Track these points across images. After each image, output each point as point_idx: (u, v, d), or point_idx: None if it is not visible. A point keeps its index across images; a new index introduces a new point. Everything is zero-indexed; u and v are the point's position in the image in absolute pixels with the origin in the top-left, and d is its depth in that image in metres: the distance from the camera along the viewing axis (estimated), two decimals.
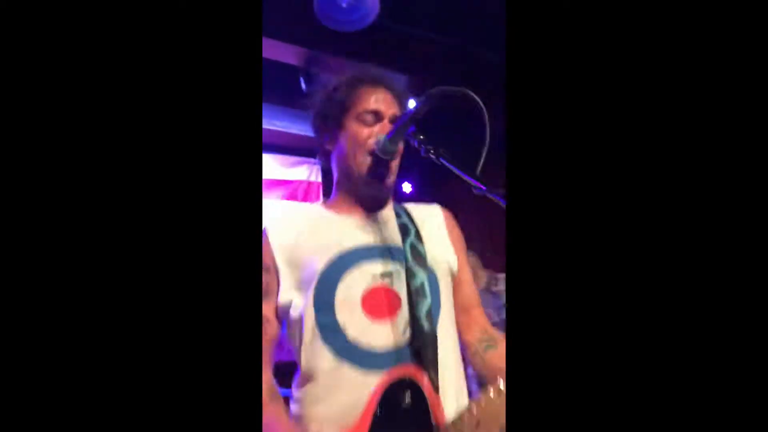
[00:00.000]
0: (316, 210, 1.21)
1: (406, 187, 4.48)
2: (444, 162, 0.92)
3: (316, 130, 1.22)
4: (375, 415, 0.92)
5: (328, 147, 1.19)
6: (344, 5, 2.39)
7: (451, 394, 1.00)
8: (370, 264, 1.05)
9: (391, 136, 1.05)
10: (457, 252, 1.18)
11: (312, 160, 3.75)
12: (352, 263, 1.04)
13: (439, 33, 2.98)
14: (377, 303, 1.02)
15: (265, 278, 1.07)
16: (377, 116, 1.13)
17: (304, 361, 1.03)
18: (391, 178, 1.14)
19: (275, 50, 2.72)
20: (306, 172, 3.85)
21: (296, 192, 3.75)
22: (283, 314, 1.08)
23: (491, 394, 0.89)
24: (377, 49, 2.85)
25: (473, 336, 1.14)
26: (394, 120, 1.12)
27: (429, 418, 0.93)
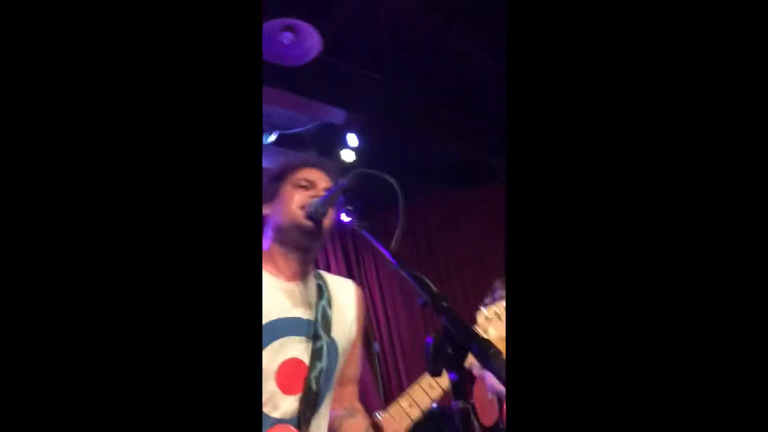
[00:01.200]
0: None
1: (344, 218, 4.51)
2: (365, 234, 1.02)
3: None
4: None
5: (266, 209, 1.27)
6: (286, 42, 2.47)
7: None
8: (290, 337, 1.14)
9: (324, 200, 1.17)
10: (357, 330, 1.29)
11: None
12: (275, 336, 1.13)
13: (378, 70, 3.12)
14: (289, 374, 1.12)
15: None
16: (311, 184, 1.25)
17: None
18: (323, 232, 1.22)
19: None
20: None
21: None
22: None
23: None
24: (318, 84, 2.94)
25: (339, 406, 1.25)
26: (326, 190, 1.24)
27: None
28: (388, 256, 0.91)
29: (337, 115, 3.10)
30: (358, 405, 1.28)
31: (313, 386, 1.13)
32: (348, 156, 3.26)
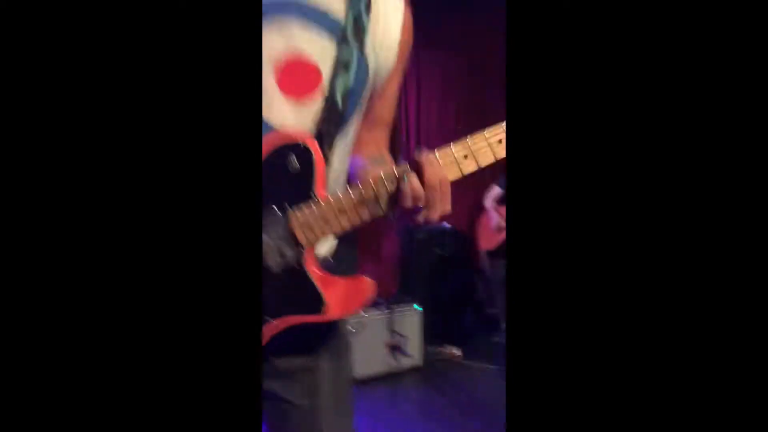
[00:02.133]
0: None
1: None
2: None
3: None
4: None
5: None
6: None
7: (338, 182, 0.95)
8: (301, 23, 0.88)
9: None
10: (398, 58, 0.99)
11: None
12: (284, 11, 0.87)
13: None
14: (294, 75, 0.88)
15: None
16: None
17: None
18: None
19: None
20: None
21: None
22: None
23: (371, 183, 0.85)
24: None
25: (367, 153, 1.03)
26: None
27: (311, 187, 0.86)
28: None
29: None
30: (387, 154, 1.04)
31: (339, 103, 0.89)
32: None
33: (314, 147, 0.86)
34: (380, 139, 1.06)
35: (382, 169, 0.88)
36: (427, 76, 4.65)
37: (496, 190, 4.17)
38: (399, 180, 0.84)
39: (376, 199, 0.85)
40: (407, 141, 4.58)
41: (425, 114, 4.77)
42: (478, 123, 0.96)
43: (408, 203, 0.83)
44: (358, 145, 1.00)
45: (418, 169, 0.83)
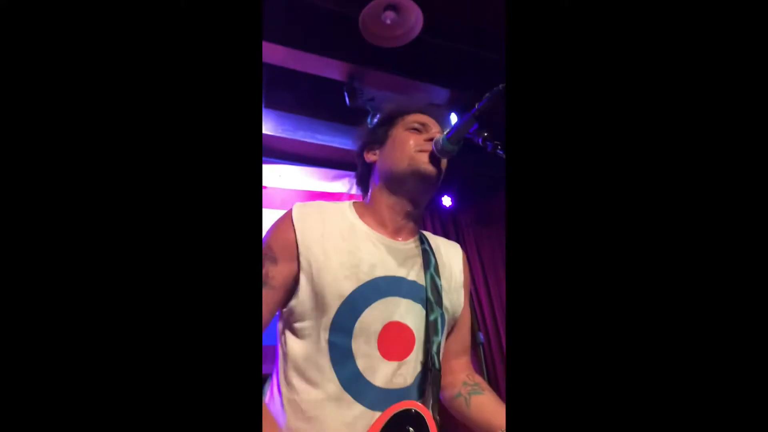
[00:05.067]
0: (347, 217, 1.12)
1: (446, 201, 4.45)
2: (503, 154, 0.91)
3: (362, 141, 1.23)
4: None
5: (373, 156, 1.18)
6: (388, 22, 2.43)
7: None
8: (393, 297, 1.02)
9: (451, 135, 1.04)
10: (465, 296, 1.17)
11: (352, 173, 3.78)
12: (379, 295, 1.01)
13: (480, 47, 3.00)
14: (393, 340, 1.00)
15: (271, 268, 1.00)
16: (424, 127, 1.15)
17: (302, 369, 0.98)
18: (441, 170, 1.11)
19: (319, 65, 2.79)
20: (346, 185, 3.90)
21: None
22: (276, 312, 1.03)
23: None
24: (420, 64, 2.88)
25: (458, 380, 1.13)
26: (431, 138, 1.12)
27: None
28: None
29: (439, 94, 3.02)
30: (479, 379, 1.14)
31: (436, 363, 1.01)
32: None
33: (425, 412, 0.95)
34: (466, 364, 1.18)
35: (483, 398, 1.06)
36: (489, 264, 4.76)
37: None
38: None
39: None
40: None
41: (497, 299, 4.78)
42: None
43: None
44: (446, 376, 1.13)
45: None
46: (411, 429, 0.92)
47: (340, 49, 2.73)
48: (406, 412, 0.94)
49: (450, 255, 1.19)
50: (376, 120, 1.23)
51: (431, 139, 1.11)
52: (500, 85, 0.91)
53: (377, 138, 1.19)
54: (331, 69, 2.84)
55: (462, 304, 1.16)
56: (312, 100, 3.05)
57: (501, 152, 0.93)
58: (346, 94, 2.86)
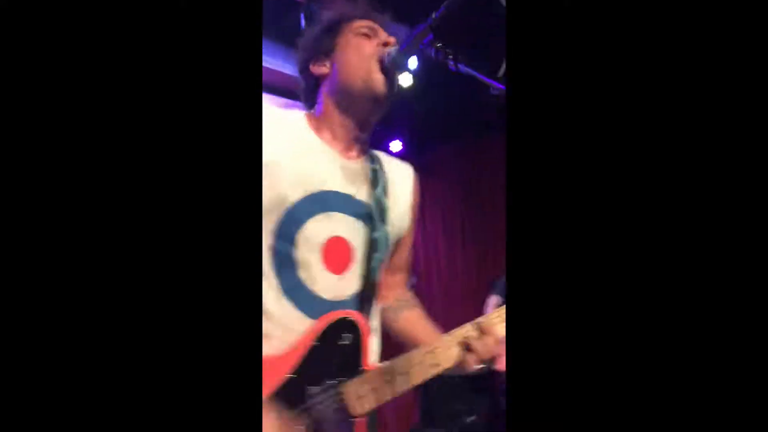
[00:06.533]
0: (300, 127, 1.10)
1: (395, 146, 4.41)
2: (463, 68, 0.88)
3: (306, 54, 1.14)
4: (311, 348, 0.95)
5: (322, 68, 1.10)
6: None
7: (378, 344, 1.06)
8: (339, 213, 1.04)
9: (405, 47, 1.00)
10: (411, 218, 1.20)
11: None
12: (324, 208, 1.02)
13: None
14: (335, 254, 1.02)
15: None
16: (373, 32, 1.08)
17: None
18: (392, 88, 1.06)
19: None
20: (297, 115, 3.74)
21: None
22: None
23: (422, 350, 0.96)
24: None
25: (392, 295, 1.18)
26: (386, 44, 1.07)
27: (359, 359, 0.98)
28: (495, 84, 0.83)
29: (397, 32, 2.90)
30: (409, 295, 1.22)
31: (374, 278, 1.05)
32: (405, 80, 3.07)
33: (359, 320, 0.99)
34: (401, 281, 1.22)
35: (409, 313, 1.14)
36: (430, 213, 4.80)
37: (494, 300, 4.13)
38: (467, 341, 0.98)
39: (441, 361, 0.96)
40: (418, 277, 4.68)
41: (432, 249, 4.92)
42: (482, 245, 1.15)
43: (483, 358, 0.97)
44: (382, 292, 1.13)
45: (486, 329, 0.98)
46: (347, 336, 0.97)
47: None
48: (342, 321, 0.98)
49: (401, 175, 1.19)
50: (317, 27, 1.14)
51: (385, 44, 1.06)
52: None
53: (323, 47, 1.10)
54: None
55: (406, 226, 1.18)
56: (268, 21, 2.84)
57: (451, 62, 0.91)
58: (302, 16, 2.68)
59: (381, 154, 1.19)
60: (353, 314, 1.00)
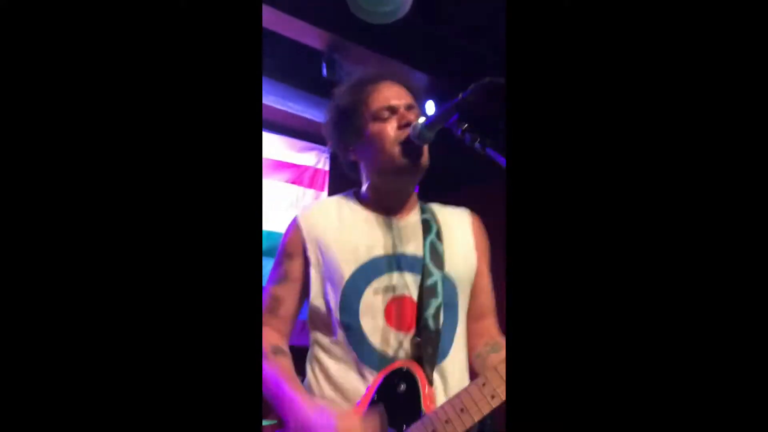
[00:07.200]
0: (347, 204, 1.19)
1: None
2: (490, 152, 0.89)
3: (337, 142, 1.21)
4: (372, 399, 1.01)
5: (353, 157, 1.19)
6: None
7: (453, 390, 1.04)
8: (394, 274, 1.08)
9: (430, 123, 1.03)
10: (479, 259, 1.19)
11: (322, 147, 3.70)
12: (378, 273, 1.07)
13: (468, 38, 2.94)
14: (399, 313, 1.06)
15: (288, 264, 1.13)
16: (392, 111, 1.12)
17: (328, 348, 1.08)
18: (424, 159, 1.11)
19: (301, 31, 2.67)
20: (314, 158, 3.81)
21: (302, 177, 3.72)
22: (303, 302, 1.14)
23: (476, 385, 0.95)
24: (402, 45, 2.80)
25: (480, 342, 1.17)
26: (408, 108, 1.12)
27: (419, 405, 0.99)
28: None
29: (420, 81, 2.96)
30: (501, 339, 1.17)
31: (431, 325, 1.05)
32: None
33: (416, 369, 1.02)
34: (490, 325, 1.20)
35: (496, 356, 1.11)
36: None
37: None
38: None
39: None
40: None
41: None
42: None
43: None
44: (470, 339, 1.17)
45: None
46: (402, 385, 0.99)
47: (324, 16, 2.63)
48: (398, 371, 1.01)
49: (456, 219, 1.21)
50: (334, 112, 1.18)
51: (407, 125, 1.10)
52: (486, 79, 0.90)
53: (349, 137, 1.17)
54: (313, 36, 2.73)
55: (475, 268, 1.17)
56: (288, 65, 2.92)
57: (479, 146, 0.92)
58: (324, 64, 2.76)
59: (433, 205, 1.23)
60: (408, 363, 1.02)
